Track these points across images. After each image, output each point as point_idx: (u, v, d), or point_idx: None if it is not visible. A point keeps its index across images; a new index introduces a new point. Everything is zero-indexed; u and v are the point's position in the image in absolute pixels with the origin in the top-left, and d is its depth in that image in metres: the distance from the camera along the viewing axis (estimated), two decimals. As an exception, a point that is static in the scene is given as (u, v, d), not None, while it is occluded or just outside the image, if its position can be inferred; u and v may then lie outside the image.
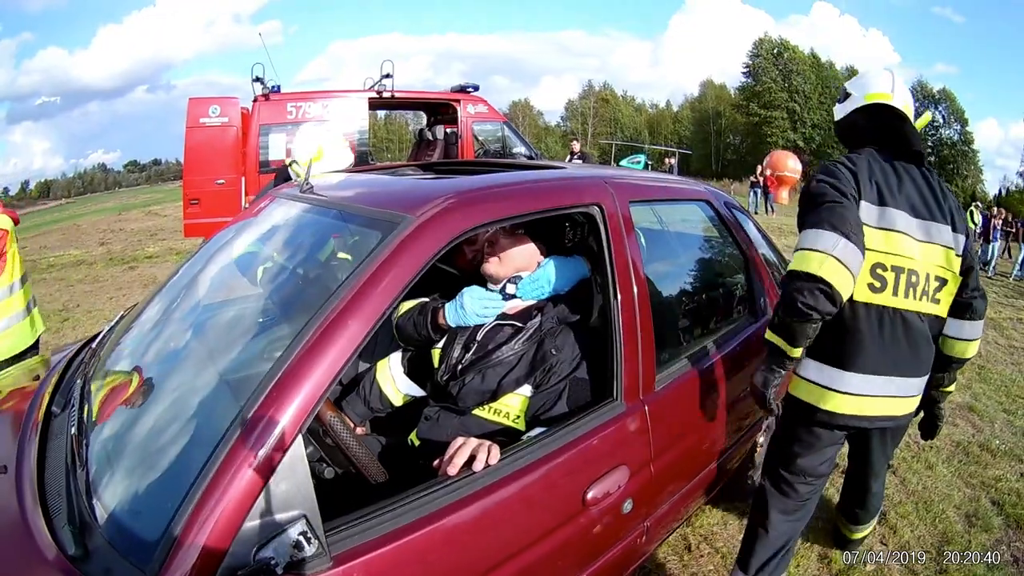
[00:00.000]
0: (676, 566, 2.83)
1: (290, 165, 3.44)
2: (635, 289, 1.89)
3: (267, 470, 1.19)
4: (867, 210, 1.95)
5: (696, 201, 2.68)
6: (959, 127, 45.30)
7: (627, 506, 1.82)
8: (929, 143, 45.22)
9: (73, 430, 1.60)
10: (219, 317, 2.02)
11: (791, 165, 5.98)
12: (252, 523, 1.17)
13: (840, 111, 2.48)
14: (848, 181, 1.98)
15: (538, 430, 1.74)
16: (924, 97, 46.22)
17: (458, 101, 9.78)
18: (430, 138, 10.68)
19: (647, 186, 2.34)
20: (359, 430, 2.30)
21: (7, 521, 1.40)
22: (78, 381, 1.93)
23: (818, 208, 1.90)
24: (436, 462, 1.53)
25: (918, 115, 2.32)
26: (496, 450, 1.51)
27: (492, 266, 2.04)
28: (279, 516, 1.20)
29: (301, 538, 1.18)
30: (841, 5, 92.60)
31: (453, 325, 2.01)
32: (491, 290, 2.05)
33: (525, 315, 1.98)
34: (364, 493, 1.52)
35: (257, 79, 8.44)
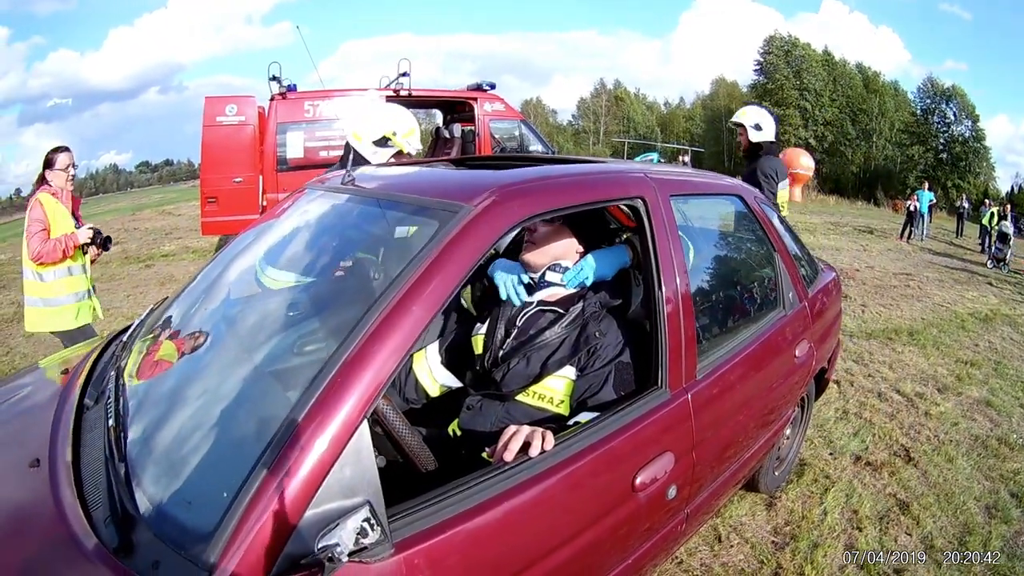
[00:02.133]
0: (707, 555, 2.83)
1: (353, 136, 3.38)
2: (677, 280, 1.88)
3: (332, 456, 1.18)
4: None
5: (730, 195, 2.67)
6: (970, 124, 44.59)
7: (671, 492, 1.81)
8: (941, 140, 44.99)
9: (111, 422, 1.57)
10: (270, 305, 2.02)
11: (804, 162, 5.96)
12: (315, 510, 1.16)
13: (761, 136, 4.50)
14: None
15: (585, 415, 1.73)
16: (935, 94, 45.64)
17: (475, 99, 9.77)
18: (447, 136, 10.66)
19: (686, 181, 2.33)
20: None
21: (43, 515, 1.36)
22: (111, 373, 1.89)
23: None
24: (489, 450, 1.53)
25: None
26: (550, 436, 1.50)
27: (532, 255, 2.06)
28: (344, 502, 1.19)
29: (365, 524, 1.16)
30: (850, 3, 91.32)
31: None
32: (529, 278, 2.07)
33: (567, 302, 1.98)
34: (412, 481, 1.52)
35: (274, 78, 8.43)
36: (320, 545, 1.11)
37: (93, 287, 4.16)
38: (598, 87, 62.99)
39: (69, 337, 3.92)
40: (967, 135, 44.45)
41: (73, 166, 3.97)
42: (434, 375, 2.22)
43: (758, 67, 48.91)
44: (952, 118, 45.17)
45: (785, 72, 46.41)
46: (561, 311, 1.95)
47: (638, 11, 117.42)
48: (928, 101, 46.39)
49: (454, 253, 1.42)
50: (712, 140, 52.86)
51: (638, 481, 1.67)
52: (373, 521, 1.17)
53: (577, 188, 1.79)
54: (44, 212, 3.77)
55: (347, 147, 3.43)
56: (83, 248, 3.94)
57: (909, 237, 16.43)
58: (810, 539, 2.97)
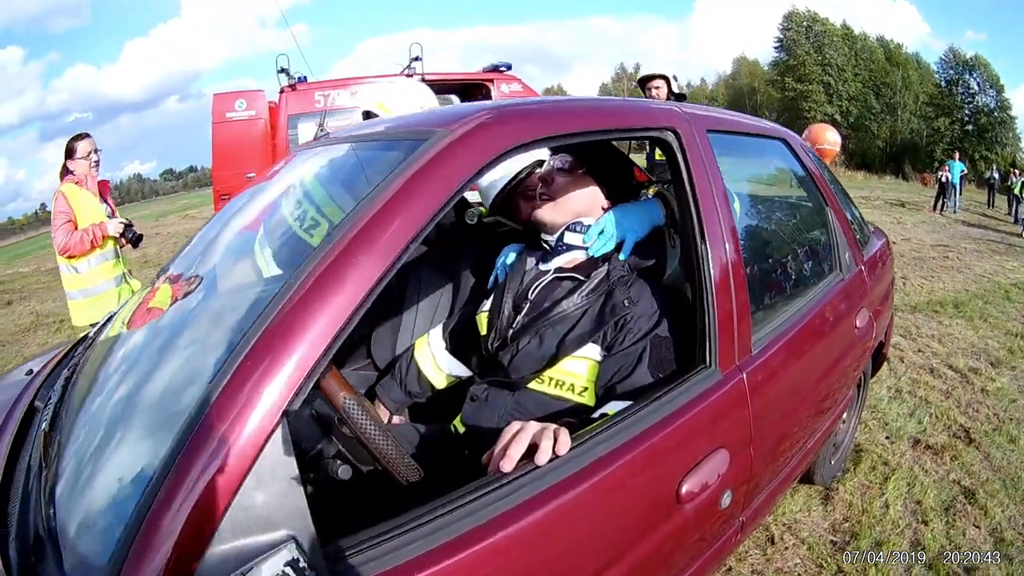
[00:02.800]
0: (759, 560, 2.43)
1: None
2: (724, 231, 1.47)
3: (237, 474, 0.81)
4: None
5: (774, 139, 2.24)
6: (995, 94, 43.19)
7: (725, 499, 1.40)
8: (966, 111, 43.61)
9: (45, 426, 1.30)
10: (208, 290, 1.59)
11: (830, 138, 5.59)
12: (221, 547, 0.80)
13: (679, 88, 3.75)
14: None
15: (614, 404, 1.33)
16: (957, 64, 44.16)
17: (491, 81, 9.25)
18: None
19: (722, 117, 1.89)
20: (396, 419, 1.94)
21: None
22: (64, 372, 1.63)
23: None
24: (486, 456, 1.12)
25: None
26: (565, 435, 1.09)
27: (546, 211, 1.65)
28: (260, 538, 0.82)
29: (289, 569, 0.80)
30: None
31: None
32: (546, 242, 1.67)
33: (588, 267, 1.58)
34: (394, 496, 1.17)
35: (282, 70, 8.09)
36: None
37: (129, 270, 4.05)
38: (619, 72, 62.30)
39: None
40: (992, 106, 43.08)
41: (96, 151, 3.80)
42: (438, 363, 1.87)
43: (778, 44, 47.69)
44: (976, 88, 43.76)
45: (806, 47, 44.88)
46: (581, 278, 1.55)
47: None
48: (951, 72, 44.78)
49: (417, 187, 1.02)
50: (737, 120, 51.79)
51: (684, 490, 1.26)
52: (302, 564, 0.81)
53: (587, 114, 1.35)
54: (68, 203, 3.63)
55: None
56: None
57: (942, 209, 15.83)
58: (872, 536, 2.59)
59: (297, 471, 0.86)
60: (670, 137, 1.45)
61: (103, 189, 3.93)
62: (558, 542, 1.05)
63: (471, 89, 10.22)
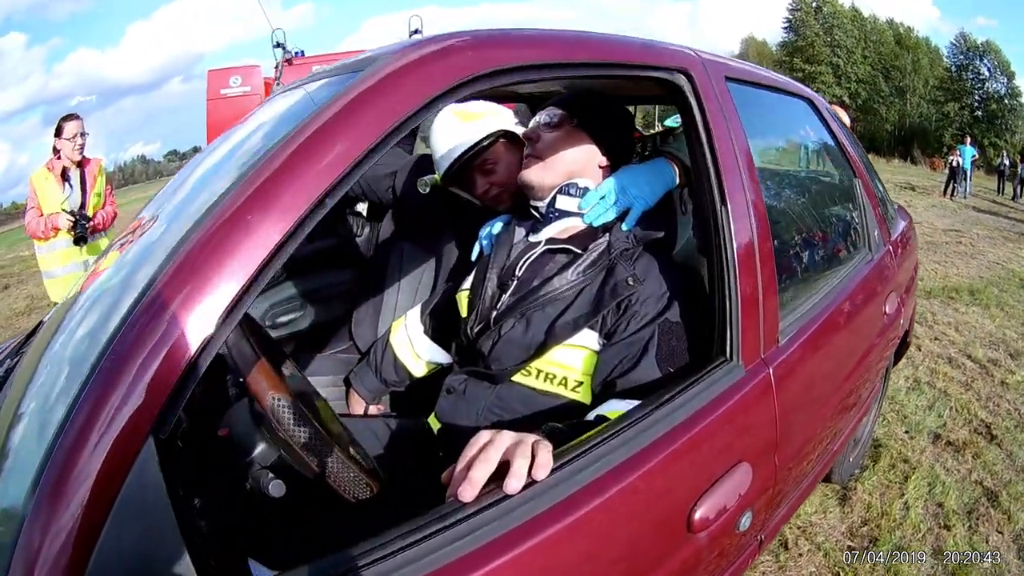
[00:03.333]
0: (772, 568, 2.19)
1: None
2: (748, 198, 1.19)
3: (98, 508, 0.58)
4: None
5: (799, 98, 1.95)
6: (1005, 80, 42.49)
7: (744, 521, 1.14)
8: (976, 97, 42.91)
9: None
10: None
11: (840, 118, 5.33)
12: None
13: None
14: None
15: (613, 404, 1.07)
16: (968, 49, 43.35)
17: None
18: None
19: (741, 66, 1.61)
20: (372, 409, 1.71)
21: None
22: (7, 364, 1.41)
23: None
24: (445, 474, 0.85)
25: None
26: (546, 453, 0.82)
27: (533, 171, 1.35)
28: None
29: None
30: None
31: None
32: (536, 209, 1.39)
33: (584, 238, 1.29)
34: (337, 516, 0.96)
35: (278, 45, 7.76)
36: None
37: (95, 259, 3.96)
38: None
39: None
40: (1002, 92, 42.41)
41: (82, 134, 3.86)
42: (416, 349, 1.63)
43: (787, 24, 46.95)
44: (987, 74, 43.05)
45: (815, 28, 44.03)
46: (577, 250, 1.27)
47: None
48: (961, 57, 43.95)
49: (337, 125, 0.75)
50: (745, 101, 51.51)
51: (697, 516, 0.99)
52: None
53: (573, 43, 1.05)
54: (34, 191, 3.79)
55: None
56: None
57: (952, 194, 15.45)
58: (892, 542, 2.36)
59: (171, 508, 0.61)
60: (681, 80, 1.17)
61: (86, 165, 3.95)
62: None
63: None
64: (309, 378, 2.04)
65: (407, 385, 1.70)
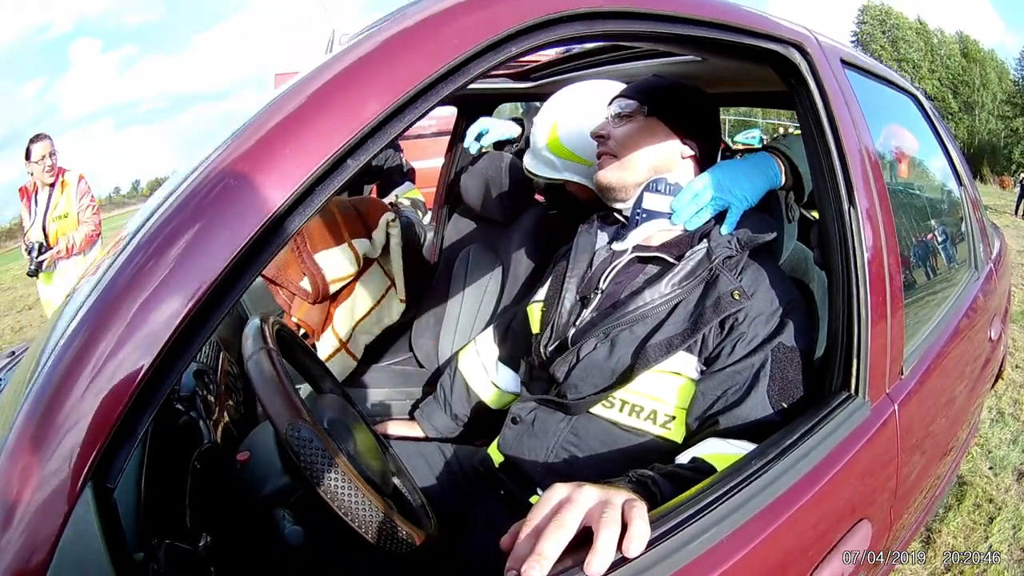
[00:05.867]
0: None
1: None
2: (876, 199, 0.99)
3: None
4: None
5: (907, 94, 1.72)
6: (1075, 94, 40.87)
7: (855, 584, 0.94)
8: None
9: None
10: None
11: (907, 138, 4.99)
12: None
13: None
14: None
15: (713, 445, 0.88)
16: (1035, 63, 41.80)
17: None
18: None
19: (855, 51, 1.39)
20: None
21: None
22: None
23: None
24: (505, 539, 0.63)
25: None
26: (642, 522, 0.60)
27: (610, 171, 1.16)
28: None
29: None
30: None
31: None
32: (619, 212, 1.20)
33: (678, 244, 1.09)
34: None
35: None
36: None
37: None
38: None
39: None
40: (1072, 107, 40.58)
41: (52, 154, 3.65)
42: (491, 376, 1.42)
43: (854, 38, 45.77)
44: (1055, 89, 41.31)
45: (882, 42, 42.87)
46: (671, 259, 1.07)
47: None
48: None
49: (361, 69, 0.55)
50: (814, 117, 50.88)
51: None
52: None
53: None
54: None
55: None
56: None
57: (1025, 213, 14.83)
58: (977, 590, 2.10)
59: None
60: (796, 57, 0.96)
61: (57, 175, 3.72)
62: None
63: None
64: (364, 391, 1.91)
65: (479, 419, 1.47)
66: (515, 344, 1.38)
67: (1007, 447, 3.16)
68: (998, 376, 2.55)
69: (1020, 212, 14.87)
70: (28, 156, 3.60)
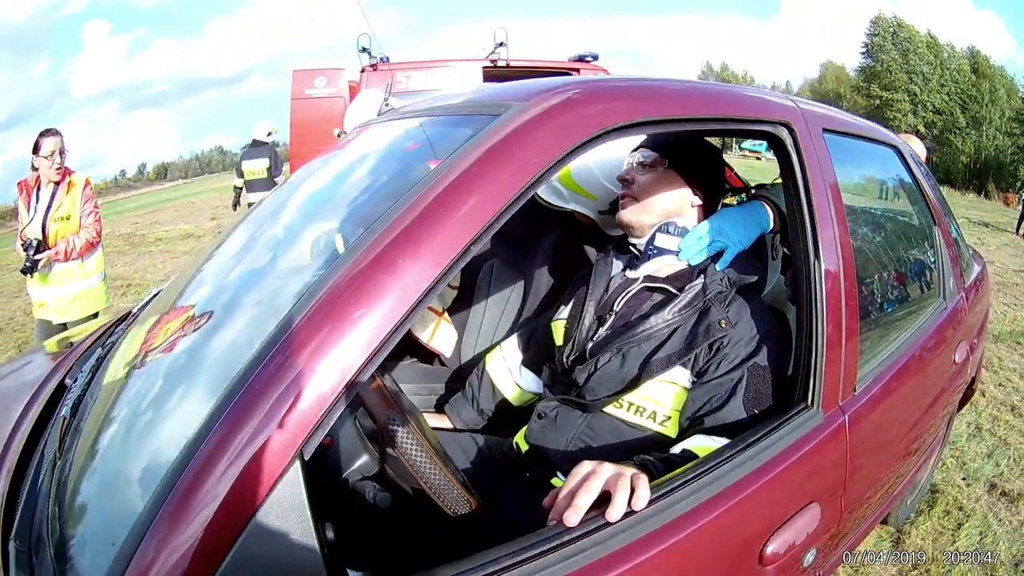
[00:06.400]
0: (819, 604, 2.22)
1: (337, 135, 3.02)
2: (840, 249, 1.24)
3: (237, 522, 0.67)
4: None
5: (887, 146, 1.96)
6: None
7: (809, 558, 1.19)
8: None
9: (65, 411, 1.18)
10: (249, 286, 1.43)
11: (915, 149, 5.15)
12: None
13: None
14: None
15: (699, 440, 1.13)
16: (1046, 79, 41.63)
17: (577, 70, 8.59)
18: None
19: (837, 116, 1.63)
20: None
21: None
22: (97, 351, 1.52)
23: None
24: (548, 499, 0.92)
25: None
26: (644, 486, 0.89)
27: (630, 212, 1.42)
28: None
29: None
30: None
31: None
32: (633, 246, 1.45)
33: (680, 278, 1.36)
34: (437, 527, 1.02)
35: (364, 49, 7.91)
36: None
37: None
38: (705, 70, 60.41)
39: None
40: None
41: (61, 152, 3.49)
42: (515, 377, 1.66)
43: (864, 49, 45.71)
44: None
45: (892, 54, 42.80)
46: (674, 290, 1.33)
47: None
48: None
49: (481, 176, 0.83)
50: (823, 126, 50.20)
51: (769, 551, 1.05)
52: None
53: (688, 97, 1.14)
54: (17, 206, 3.62)
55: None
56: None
57: (1027, 231, 14.85)
58: (940, 588, 2.32)
59: (312, 524, 0.70)
60: (784, 133, 1.22)
61: (58, 186, 3.56)
62: None
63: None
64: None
65: (502, 415, 1.70)
66: (536, 351, 1.63)
67: (982, 460, 3.35)
68: (969, 393, 2.78)
69: (1022, 231, 14.86)
70: (36, 150, 3.44)
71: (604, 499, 0.87)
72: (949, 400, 2.09)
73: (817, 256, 1.18)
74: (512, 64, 8.48)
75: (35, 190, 3.51)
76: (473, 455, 1.49)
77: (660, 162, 1.42)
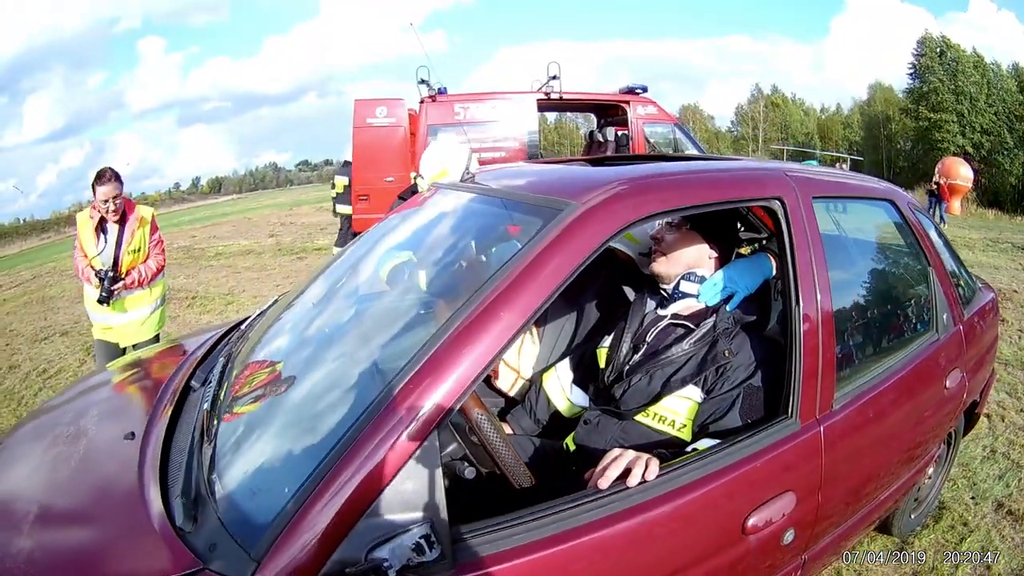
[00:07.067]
0: (827, 600, 2.50)
1: (415, 179, 3.51)
2: (818, 295, 1.60)
3: (393, 467, 1.07)
4: None
5: (880, 201, 2.30)
6: None
7: (788, 536, 1.55)
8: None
9: (206, 405, 1.56)
10: (368, 309, 1.93)
11: (963, 173, 5.34)
12: (370, 520, 1.07)
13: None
14: None
15: (704, 442, 1.52)
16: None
17: (627, 103, 9.34)
18: (600, 140, 10.26)
19: (829, 181, 2.03)
20: None
21: (125, 486, 1.39)
22: (221, 359, 1.91)
23: None
24: (588, 473, 1.35)
25: None
26: (655, 465, 1.30)
27: (660, 264, 1.84)
28: (401, 516, 1.08)
29: (423, 542, 1.06)
30: (998, 1, 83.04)
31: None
32: (664, 290, 1.86)
33: (699, 316, 1.76)
34: (507, 496, 1.39)
35: (423, 81, 8.43)
36: (369, 556, 1.05)
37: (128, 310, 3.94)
38: (755, 93, 59.38)
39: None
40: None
41: (116, 199, 3.66)
42: (566, 394, 2.06)
43: (912, 70, 44.83)
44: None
45: (940, 74, 41.72)
46: (692, 326, 1.74)
47: (791, 17, 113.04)
48: None
49: (552, 255, 1.26)
50: (871, 148, 48.96)
51: (750, 523, 1.42)
52: (433, 538, 1.07)
53: (702, 186, 1.56)
54: (78, 232, 3.77)
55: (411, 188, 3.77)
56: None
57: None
58: (937, 595, 2.55)
59: (440, 470, 1.10)
60: (776, 206, 1.61)
61: (127, 220, 3.77)
62: (634, 551, 1.27)
63: (608, 109, 10.27)
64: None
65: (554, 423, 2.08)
66: (584, 373, 2.04)
67: (992, 481, 3.50)
68: (974, 417, 3.04)
69: None
70: (94, 192, 3.63)
71: (627, 474, 1.27)
72: (942, 420, 2.37)
73: (798, 302, 1.55)
74: (565, 97, 8.96)
75: (98, 224, 3.70)
76: (531, 453, 1.87)
77: (683, 224, 1.83)
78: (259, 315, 2.27)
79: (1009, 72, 42.20)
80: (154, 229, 3.92)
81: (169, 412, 1.68)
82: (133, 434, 1.58)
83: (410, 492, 1.08)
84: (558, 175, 1.78)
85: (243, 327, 2.27)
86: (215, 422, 1.50)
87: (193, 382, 1.87)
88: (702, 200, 1.50)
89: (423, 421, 1.08)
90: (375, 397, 1.14)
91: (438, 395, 1.10)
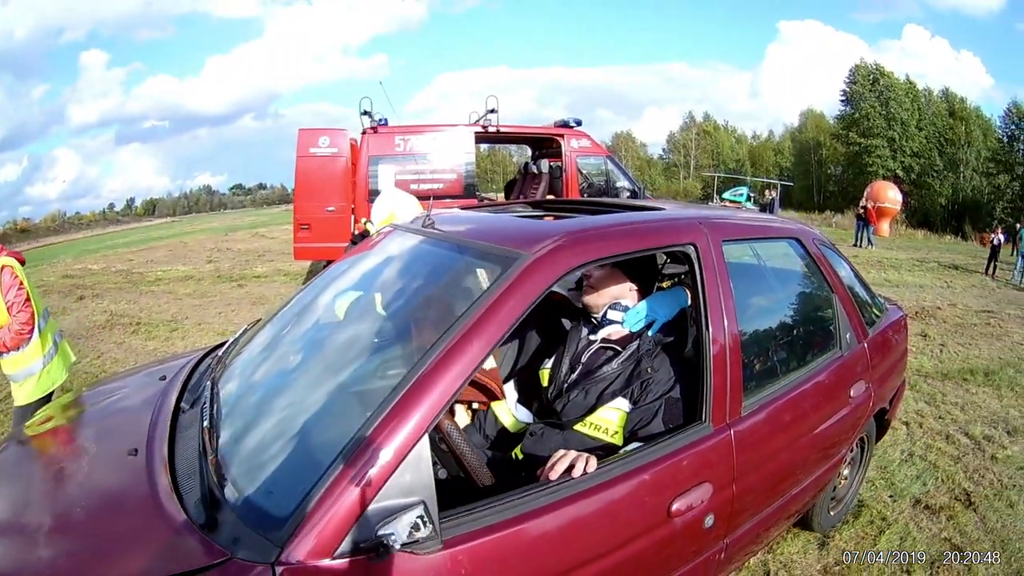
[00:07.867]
0: (756, 592, 2.80)
1: (366, 224, 3.94)
2: (725, 322, 1.97)
3: (396, 461, 1.37)
4: None
5: (786, 239, 2.71)
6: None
7: (708, 520, 1.89)
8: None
9: (206, 423, 1.78)
10: (347, 335, 2.24)
11: (891, 196, 5.79)
12: (378, 504, 1.36)
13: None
14: None
15: (634, 445, 1.85)
16: (1020, 119, 41.99)
17: (562, 136, 9.77)
18: (535, 171, 10.72)
19: (739, 225, 2.42)
20: None
21: (139, 495, 1.62)
22: (207, 383, 2.07)
23: None
24: (540, 471, 1.66)
25: None
26: (593, 461, 1.63)
27: (591, 297, 2.19)
28: (402, 500, 1.38)
29: (419, 520, 1.35)
30: (931, 28, 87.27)
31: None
32: (593, 318, 2.19)
33: (625, 340, 2.11)
34: (471, 494, 1.69)
35: (365, 112, 8.79)
36: (379, 533, 1.32)
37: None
38: (687, 120, 61.28)
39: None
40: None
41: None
42: (512, 412, 2.35)
43: (844, 97, 46.90)
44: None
45: (871, 101, 44.31)
46: (619, 348, 2.08)
47: (728, 44, 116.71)
48: (1013, 127, 42.58)
49: (511, 297, 1.60)
50: (802, 173, 50.72)
51: (674, 507, 1.76)
52: (426, 518, 1.37)
53: (629, 237, 1.93)
54: (19, 278, 3.20)
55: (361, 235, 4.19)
56: None
57: (994, 272, 15.38)
58: (859, 581, 2.87)
59: (431, 465, 1.42)
60: (690, 250, 1.98)
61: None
62: (581, 527, 1.61)
63: (543, 142, 10.71)
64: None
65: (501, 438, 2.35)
66: (527, 392, 2.37)
67: (910, 480, 3.88)
68: (885, 423, 3.43)
69: (990, 271, 15.31)
70: None
71: (572, 468, 1.61)
72: (848, 424, 2.74)
73: (707, 327, 1.93)
74: (502, 130, 9.37)
75: None
76: (484, 464, 2.16)
77: (608, 264, 2.15)
78: (234, 342, 2.50)
79: (939, 97, 44.07)
80: (9, 286, 3.16)
81: (167, 431, 1.91)
82: (136, 451, 1.81)
83: (408, 482, 1.39)
84: (509, 226, 2.15)
85: (219, 352, 2.48)
86: (215, 437, 1.73)
87: (183, 404, 2.10)
88: (628, 248, 1.89)
89: (417, 426, 1.40)
90: (376, 410, 1.44)
91: (428, 406, 1.42)
